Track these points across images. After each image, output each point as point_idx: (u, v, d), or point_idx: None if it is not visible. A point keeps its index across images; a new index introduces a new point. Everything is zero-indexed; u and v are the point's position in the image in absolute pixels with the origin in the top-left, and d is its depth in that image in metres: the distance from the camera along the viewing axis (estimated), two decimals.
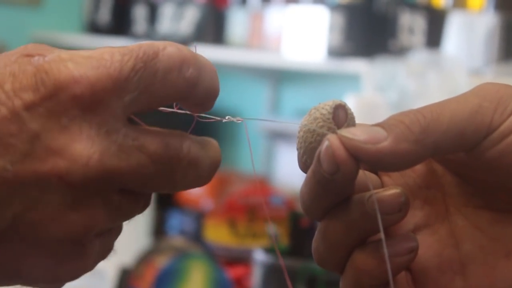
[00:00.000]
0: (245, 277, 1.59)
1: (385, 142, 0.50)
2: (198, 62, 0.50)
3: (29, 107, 0.46)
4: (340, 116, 0.52)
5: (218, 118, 0.56)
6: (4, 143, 0.45)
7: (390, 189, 0.53)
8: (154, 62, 0.47)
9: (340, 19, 2.61)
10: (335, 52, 2.63)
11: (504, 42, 2.26)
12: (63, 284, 0.53)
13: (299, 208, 1.84)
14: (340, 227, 0.53)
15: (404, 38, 2.49)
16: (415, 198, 0.57)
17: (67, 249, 0.49)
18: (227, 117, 0.57)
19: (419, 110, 0.51)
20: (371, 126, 0.51)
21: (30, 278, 0.52)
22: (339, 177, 0.49)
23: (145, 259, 1.65)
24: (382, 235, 0.50)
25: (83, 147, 0.46)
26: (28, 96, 0.45)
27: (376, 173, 0.56)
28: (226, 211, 1.79)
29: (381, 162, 0.51)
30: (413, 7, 2.51)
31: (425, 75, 2.01)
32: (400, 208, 0.52)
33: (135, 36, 3.43)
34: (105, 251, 0.52)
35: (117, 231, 0.54)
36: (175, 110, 0.71)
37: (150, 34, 3.37)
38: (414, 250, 0.54)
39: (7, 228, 0.47)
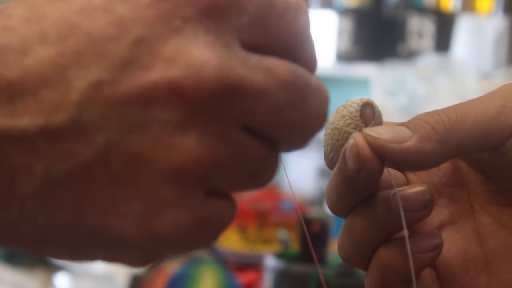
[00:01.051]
0: (256, 283, 1.58)
1: (410, 141, 0.50)
2: (309, 17, 0.44)
3: (133, 6, 0.39)
4: (368, 114, 0.52)
5: None
6: (100, 49, 0.39)
7: (415, 186, 0.54)
8: None
9: (348, 24, 2.64)
10: (344, 57, 2.66)
11: (508, 49, 2.28)
12: (157, 254, 0.44)
13: (309, 213, 1.84)
14: (365, 224, 0.54)
15: (413, 42, 2.50)
16: (440, 195, 0.58)
17: (171, 192, 0.40)
18: None
19: (444, 111, 0.52)
20: (396, 125, 0.52)
21: (115, 235, 0.41)
22: (364, 175, 0.50)
23: (156, 265, 1.63)
24: (405, 232, 0.51)
25: (199, 51, 0.39)
26: None
27: (402, 171, 0.56)
28: (237, 216, 1.81)
29: (406, 161, 0.52)
30: (422, 11, 2.52)
31: (434, 79, 2.03)
32: (425, 205, 0.53)
33: None
34: (221, 218, 0.44)
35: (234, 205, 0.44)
36: None
37: None
38: (438, 247, 0.54)
39: (95, 159, 0.39)
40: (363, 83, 2.40)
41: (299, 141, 0.45)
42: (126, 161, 0.39)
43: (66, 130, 0.37)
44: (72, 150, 0.38)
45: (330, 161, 0.52)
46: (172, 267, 1.63)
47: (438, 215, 0.57)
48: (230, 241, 1.77)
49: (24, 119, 0.37)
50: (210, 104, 0.40)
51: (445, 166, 0.58)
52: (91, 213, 0.39)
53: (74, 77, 0.38)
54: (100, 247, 0.42)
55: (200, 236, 0.43)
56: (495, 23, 2.33)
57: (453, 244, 0.57)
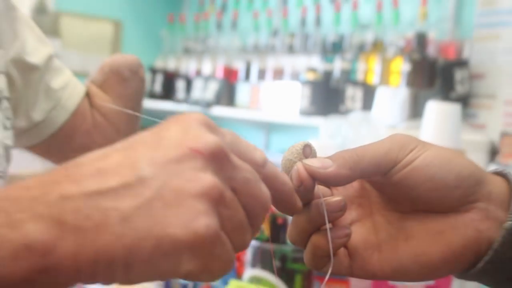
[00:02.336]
0: (240, 256, 1.53)
1: (331, 168, 0.56)
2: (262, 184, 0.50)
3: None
4: (307, 151, 0.57)
5: None
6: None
7: (335, 197, 0.58)
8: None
9: (307, 90, 2.68)
10: (304, 112, 2.71)
11: (411, 107, 2.33)
12: (201, 251, 0.46)
13: (275, 211, 1.90)
14: (304, 219, 0.58)
15: (348, 103, 2.53)
16: (352, 203, 0.61)
17: (201, 206, 0.46)
18: None
19: (353, 149, 0.57)
20: (323, 158, 0.57)
21: (172, 239, 0.45)
22: (303, 189, 0.54)
23: None
24: (327, 225, 0.57)
25: (208, 137, 0.46)
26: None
27: (328, 187, 0.59)
28: None
29: (328, 181, 0.57)
30: (355, 83, 2.56)
31: (359, 128, 2.09)
32: (341, 209, 0.57)
33: (177, 101, 3.46)
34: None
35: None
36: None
37: (187, 99, 3.38)
38: (348, 235, 0.59)
39: (153, 195, 0.45)
40: (315, 129, 2.41)
41: (258, 213, 0.49)
42: (172, 191, 0.44)
43: (134, 183, 0.44)
44: (138, 193, 0.44)
45: None
46: None
47: (350, 215, 0.61)
48: None
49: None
50: (218, 160, 0.46)
51: (355, 184, 0.61)
52: (157, 227, 0.43)
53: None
54: (160, 256, 0.44)
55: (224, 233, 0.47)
56: (401, 92, 2.35)
57: (358, 233, 0.61)
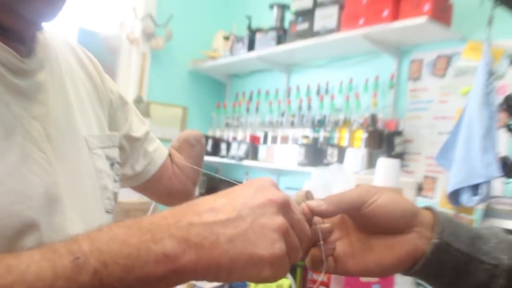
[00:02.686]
0: None
1: (323, 206, 0.56)
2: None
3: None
4: (308, 195, 0.57)
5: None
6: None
7: (325, 224, 0.58)
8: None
9: (303, 150, 2.63)
10: (300, 163, 2.63)
11: (368, 161, 2.32)
12: (277, 267, 0.47)
13: None
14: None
15: (329, 158, 2.46)
16: (336, 227, 0.61)
17: (277, 236, 0.47)
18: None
19: (337, 194, 0.58)
20: (318, 200, 0.57)
21: (259, 257, 0.46)
22: (306, 219, 0.54)
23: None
24: (321, 242, 0.57)
25: (278, 193, 0.49)
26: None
27: (321, 217, 0.58)
28: None
29: (321, 214, 0.57)
30: (333, 146, 2.49)
31: (336, 174, 2.10)
32: (329, 231, 0.58)
33: (221, 156, 3.32)
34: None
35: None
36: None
37: (227, 155, 3.26)
38: (334, 248, 0.59)
39: (247, 227, 0.47)
40: (308, 174, 2.30)
41: (303, 240, 0.51)
42: (259, 226, 0.47)
43: (235, 218, 0.47)
44: (238, 225, 0.46)
45: None
46: None
47: (335, 235, 0.61)
48: None
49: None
50: (285, 208, 0.49)
51: (339, 216, 0.61)
52: (250, 247, 0.46)
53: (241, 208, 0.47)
54: (247, 264, 0.46)
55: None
56: (361, 151, 2.33)
57: (340, 247, 0.60)
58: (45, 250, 0.42)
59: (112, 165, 0.87)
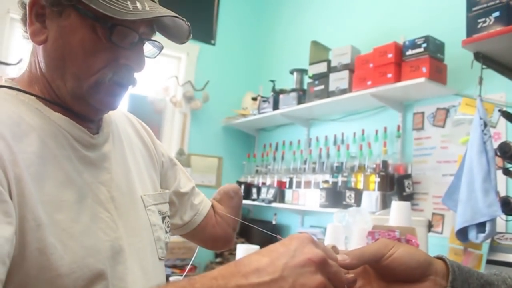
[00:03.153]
0: None
1: (348, 260, 0.55)
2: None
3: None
4: (334, 250, 0.56)
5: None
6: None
7: (350, 274, 0.56)
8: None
9: (323, 193, 2.59)
10: (322, 205, 2.58)
11: (382, 202, 2.29)
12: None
13: None
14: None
15: (347, 200, 2.42)
16: (359, 276, 0.59)
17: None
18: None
19: (359, 249, 0.57)
20: (343, 254, 0.56)
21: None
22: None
23: None
24: None
25: (315, 251, 0.49)
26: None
27: (347, 269, 0.57)
28: None
29: (346, 267, 0.56)
30: (350, 189, 2.44)
31: (355, 215, 2.08)
32: (354, 281, 0.56)
33: (252, 200, 3.27)
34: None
35: None
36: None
37: (257, 199, 3.22)
38: None
39: (290, 286, 0.46)
40: (330, 215, 2.26)
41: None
42: (300, 285, 0.46)
43: (278, 279, 0.46)
44: (282, 285, 0.46)
45: None
46: None
47: (358, 283, 0.59)
48: None
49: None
50: (323, 266, 0.49)
51: (361, 267, 0.59)
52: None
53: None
54: None
55: None
56: (375, 194, 2.30)
57: None
58: None
59: (163, 218, 0.90)
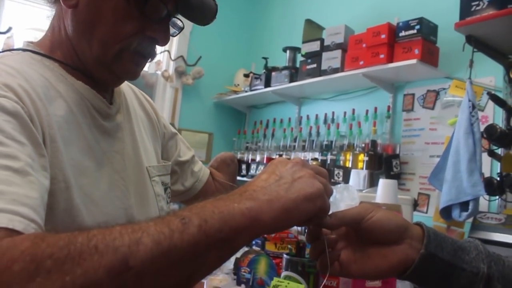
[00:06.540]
0: (279, 264, 1.41)
1: (329, 221, 0.58)
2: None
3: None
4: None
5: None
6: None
7: (332, 235, 0.60)
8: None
9: None
10: None
11: (369, 180, 2.32)
12: (319, 200, 0.52)
13: (300, 239, 1.59)
14: (317, 246, 0.60)
15: (336, 178, 2.43)
16: (342, 239, 0.62)
17: (318, 182, 0.53)
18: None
19: (341, 211, 0.59)
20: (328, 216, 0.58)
21: (307, 195, 0.51)
22: (316, 232, 0.59)
23: (245, 254, 1.51)
24: (326, 250, 0.59)
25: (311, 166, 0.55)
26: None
27: (330, 230, 0.60)
28: (273, 239, 1.73)
29: (327, 227, 0.59)
30: (339, 167, 2.43)
31: (343, 192, 2.10)
32: (335, 241, 0.60)
33: (241, 176, 3.19)
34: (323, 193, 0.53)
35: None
36: None
37: (247, 175, 3.20)
38: (339, 255, 0.61)
39: (290, 180, 0.52)
40: None
41: (327, 185, 0.55)
42: (298, 177, 0.52)
43: (280, 179, 0.52)
44: (286, 181, 0.52)
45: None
46: (250, 255, 1.45)
47: (340, 244, 0.61)
48: (269, 247, 1.61)
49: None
50: (304, 163, 0.55)
51: (343, 228, 0.62)
52: (302, 189, 0.51)
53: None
54: (304, 201, 0.51)
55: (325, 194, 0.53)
56: (363, 172, 2.31)
57: (345, 254, 0.61)
58: (155, 219, 0.45)
59: (165, 189, 0.92)
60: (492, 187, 1.75)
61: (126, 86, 0.92)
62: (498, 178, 1.74)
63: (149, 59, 0.76)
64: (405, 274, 0.59)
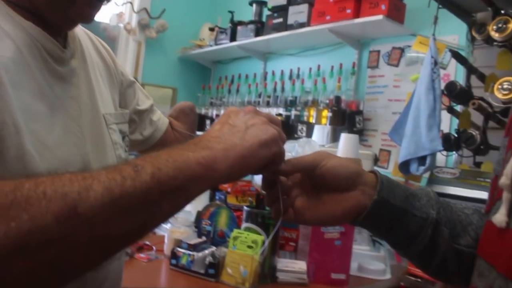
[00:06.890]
0: (240, 217, 1.45)
1: (283, 166, 0.57)
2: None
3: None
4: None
5: None
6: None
7: (287, 182, 0.59)
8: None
9: None
10: None
11: (332, 136, 2.34)
12: (272, 146, 0.52)
13: (259, 191, 1.61)
14: (272, 194, 0.59)
15: (299, 133, 2.41)
16: (296, 185, 0.61)
17: (272, 129, 0.53)
18: None
19: (296, 158, 0.59)
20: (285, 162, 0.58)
21: (260, 141, 0.51)
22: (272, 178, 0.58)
23: (206, 208, 1.55)
24: (280, 197, 0.58)
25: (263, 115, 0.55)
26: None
27: (286, 176, 0.60)
28: (235, 192, 1.76)
29: (284, 172, 0.58)
30: (302, 122, 2.43)
31: (305, 146, 2.11)
32: (289, 188, 0.59)
33: (205, 131, 3.31)
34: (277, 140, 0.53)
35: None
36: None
37: None
38: (293, 202, 0.60)
39: (243, 127, 0.53)
40: None
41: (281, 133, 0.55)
42: (251, 124, 0.52)
43: (234, 127, 0.52)
44: (239, 129, 0.52)
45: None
46: (211, 208, 1.52)
47: (295, 191, 0.61)
48: (232, 200, 1.68)
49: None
50: (271, 120, 0.55)
51: (298, 175, 0.61)
52: (257, 136, 0.51)
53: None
54: (259, 147, 0.51)
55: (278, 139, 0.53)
56: (327, 128, 2.33)
57: (299, 201, 0.61)
58: (107, 167, 0.44)
59: (123, 138, 0.89)
60: (449, 142, 1.78)
61: (81, 31, 0.87)
62: (456, 134, 1.77)
63: (105, 2, 0.73)
64: (358, 219, 0.60)
